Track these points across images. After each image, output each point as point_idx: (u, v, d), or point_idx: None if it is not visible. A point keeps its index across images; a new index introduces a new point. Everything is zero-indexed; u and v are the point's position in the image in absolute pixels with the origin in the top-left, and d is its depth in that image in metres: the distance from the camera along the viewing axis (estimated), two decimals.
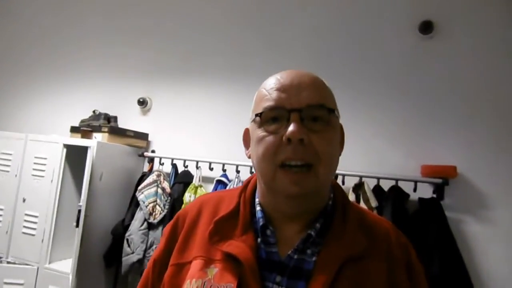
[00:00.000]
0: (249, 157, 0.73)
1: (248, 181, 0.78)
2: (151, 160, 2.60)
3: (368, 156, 2.14)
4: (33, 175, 2.37)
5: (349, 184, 2.03)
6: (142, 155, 2.58)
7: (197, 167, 2.36)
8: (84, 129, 2.45)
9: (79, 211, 2.12)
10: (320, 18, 2.40)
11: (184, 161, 2.43)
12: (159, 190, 2.34)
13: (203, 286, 0.64)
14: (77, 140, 2.35)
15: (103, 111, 2.70)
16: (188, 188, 2.30)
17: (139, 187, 2.37)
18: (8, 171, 2.44)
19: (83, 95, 3.00)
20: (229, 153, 2.36)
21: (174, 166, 2.48)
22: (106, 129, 2.41)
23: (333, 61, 2.29)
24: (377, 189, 1.98)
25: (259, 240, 0.68)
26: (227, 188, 2.18)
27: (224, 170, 2.30)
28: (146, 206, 2.29)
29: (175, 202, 2.31)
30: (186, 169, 2.43)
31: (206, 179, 2.37)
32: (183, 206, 2.25)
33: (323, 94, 0.67)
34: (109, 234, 2.34)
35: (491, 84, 1.99)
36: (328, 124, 0.65)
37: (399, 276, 0.66)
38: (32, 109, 3.21)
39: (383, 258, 0.66)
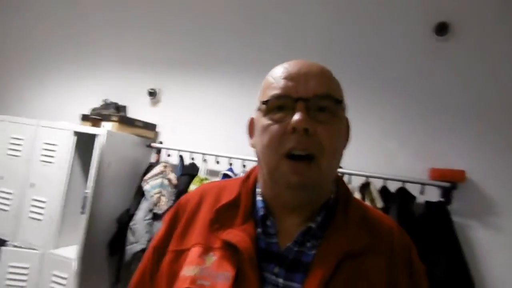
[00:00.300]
0: (253, 146, 0.72)
1: (251, 172, 0.78)
2: (158, 151, 2.61)
3: (376, 156, 2.12)
4: (42, 160, 2.40)
5: (355, 183, 2.01)
6: (149, 146, 2.60)
7: (203, 160, 2.37)
8: (94, 117, 2.47)
9: (85, 198, 2.14)
10: (333, 16, 2.37)
11: (191, 153, 2.43)
12: (165, 181, 2.35)
13: (201, 273, 0.64)
14: (87, 128, 2.38)
15: (113, 100, 2.73)
16: (194, 181, 2.31)
17: (145, 177, 2.38)
18: (18, 156, 2.47)
19: (94, 84, 3.03)
20: (236, 147, 2.36)
21: (181, 158, 2.49)
22: (115, 118, 2.43)
23: (345, 61, 2.27)
24: (384, 190, 1.96)
25: (259, 230, 0.68)
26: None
27: (230, 164, 2.30)
28: (152, 197, 2.30)
29: (181, 194, 2.31)
30: (192, 161, 2.43)
31: (212, 173, 2.37)
32: (182, 196, 2.26)
33: (331, 84, 0.67)
34: (114, 223, 2.36)
35: (503, 88, 1.95)
36: (334, 115, 0.65)
37: (399, 275, 0.65)
38: (45, 96, 3.25)
39: (384, 255, 0.66)
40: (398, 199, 1.89)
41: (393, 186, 1.96)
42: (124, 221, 2.35)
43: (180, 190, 2.33)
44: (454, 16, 2.07)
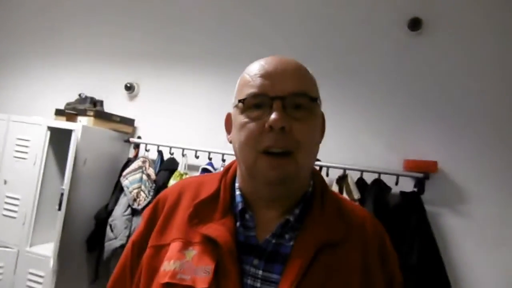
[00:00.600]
0: (230, 142, 0.73)
1: (229, 166, 0.79)
2: (137, 146, 2.58)
3: (353, 149, 2.17)
4: (15, 157, 2.33)
5: (333, 176, 2.06)
6: (127, 141, 2.56)
7: (183, 155, 2.36)
8: (69, 112, 2.42)
9: (62, 194, 2.10)
10: (307, 11, 2.39)
11: (170, 148, 2.42)
12: (144, 177, 2.34)
13: (181, 268, 0.64)
14: (62, 123, 2.32)
15: (89, 95, 2.66)
16: (173, 176, 2.30)
17: (124, 173, 2.35)
18: None
19: (69, 78, 2.95)
20: (215, 141, 2.36)
21: (160, 153, 2.47)
22: (91, 113, 2.38)
23: (320, 55, 2.30)
24: (360, 182, 2.02)
25: (238, 224, 0.69)
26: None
27: (210, 159, 2.30)
28: (131, 192, 2.28)
29: (160, 189, 2.30)
30: (171, 156, 2.42)
31: (191, 167, 2.37)
32: (161, 192, 2.25)
33: (306, 82, 0.68)
34: (92, 219, 2.33)
35: (474, 81, 2.03)
36: (310, 112, 0.66)
37: (373, 263, 0.68)
38: (16, 90, 3.14)
39: (359, 245, 0.68)
40: (374, 190, 1.95)
41: (369, 178, 2.01)
42: (102, 217, 2.32)
43: (159, 185, 2.32)
44: (427, 12, 2.13)
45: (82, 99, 2.61)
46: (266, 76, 0.66)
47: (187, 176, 2.30)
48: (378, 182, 1.98)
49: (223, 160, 2.24)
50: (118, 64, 2.83)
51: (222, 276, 0.62)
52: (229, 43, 2.54)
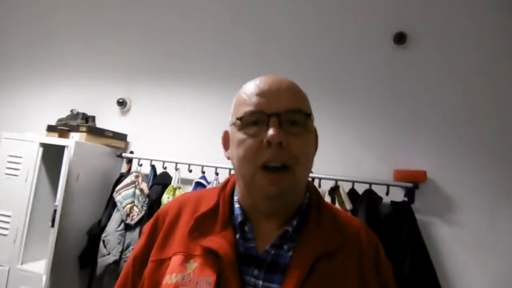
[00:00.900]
0: (228, 158, 0.76)
1: (227, 180, 0.82)
2: (130, 161, 2.58)
3: (344, 160, 2.21)
4: (6, 174, 2.32)
5: (325, 187, 2.09)
6: (120, 156, 2.57)
7: (176, 169, 2.37)
8: (61, 128, 2.42)
9: (55, 211, 2.09)
10: (297, 28, 2.46)
11: (163, 162, 2.43)
12: (137, 191, 2.34)
13: (183, 280, 0.66)
14: (54, 139, 2.32)
15: (81, 110, 2.67)
16: (167, 190, 2.30)
17: (117, 188, 2.35)
18: None
19: (60, 94, 2.95)
20: (208, 155, 2.38)
21: (153, 167, 2.48)
22: (84, 129, 2.39)
23: (310, 70, 2.35)
24: (352, 193, 2.05)
25: (237, 236, 0.71)
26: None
27: (203, 172, 2.31)
28: (124, 207, 2.27)
29: (153, 204, 2.31)
30: (164, 170, 2.43)
31: (184, 181, 2.37)
32: (161, 207, 2.25)
33: (300, 99, 0.72)
34: (84, 235, 2.31)
35: (459, 93, 2.10)
36: (304, 128, 0.69)
37: (369, 272, 0.70)
38: (7, 106, 3.13)
39: (355, 255, 0.71)
40: (366, 201, 1.98)
41: (361, 188, 2.05)
42: (95, 233, 2.30)
43: (153, 199, 2.32)
44: (411, 26, 2.21)
45: (74, 115, 2.62)
46: (262, 94, 0.69)
47: (180, 190, 2.31)
48: (369, 192, 2.01)
49: (217, 174, 2.26)
50: (110, 79, 2.85)
51: (223, 287, 0.64)
52: (221, 58, 2.58)
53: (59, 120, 2.62)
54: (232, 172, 2.17)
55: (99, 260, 2.21)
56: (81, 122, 2.54)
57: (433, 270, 1.87)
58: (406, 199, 2.02)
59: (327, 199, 2.01)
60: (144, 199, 2.34)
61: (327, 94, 2.29)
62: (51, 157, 2.33)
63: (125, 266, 0.80)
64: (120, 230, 2.26)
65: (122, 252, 2.22)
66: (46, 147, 2.30)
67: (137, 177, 2.38)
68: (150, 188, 2.38)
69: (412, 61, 2.20)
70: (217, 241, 0.69)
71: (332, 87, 2.31)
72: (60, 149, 2.23)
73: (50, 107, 2.92)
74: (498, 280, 1.91)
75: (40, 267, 2.15)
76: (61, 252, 2.14)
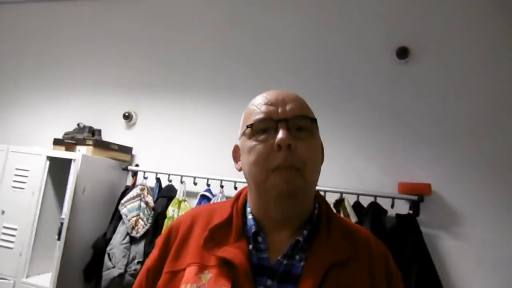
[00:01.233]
0: (240, 170, 0.79)
1: (240, 193, 0.84)
2: (135, 174, 2.60)
3: (348, 173, 2.22)
4: (13, 187, 2.34)
5: (330, 200, 2.09)
6: (126, 169, 2.59)
7: (181, 182, 2.38)
8: (68, 141, 2.45)
9: (62, 224, 2.10)
10: (302, 42, 2.50)
11: (168, 175, 2.45)
12: (143, 204, 2.35)
13: None
14: (61, 153, 2.35)
15: (87, 124, 2.71)
16: (172, 203, 2.32)
17: (122, 201, 2.36)
18: None
19: (67, 108, 3.00)
20: (213, 168, 2.40)
21: (158, 180, 2.50)
22: (90, 142, 2.42)
23: (314, 83, 2.39)
24: (357, 205, 2.06)
25: (251, 246, 0.73)
26: (211, 202, 2.21)
27: (208, 185, 2.33)
28: (129, 220, 2.28)
29: (159, 216, 2.32)
30: (170, 183, 2.45)
31: (190, 194, 2.39)
32: (166, 220, 2.26)
33: (305, 107, 0.76)
34: (89, 248, 2.32)
35: (463, 106, 2.12)
36: (311, 133, 0.73)
37: (380, 281, 0.72)
38: (14, 120, 3.18)
39: (365, 264, 0.72)
40: (371, 213, 1.99)
41: (366, 201, 2.05)
42: (101, 246, 2.31)
43: (158, 212, 2.33)
44: (413, 41, 2.24)
45: (80, 129, 2.66)
46: (270, 103, 0.74)
47: (186, 202, 2.32)
48: (374, 205, 2.02)
49: (222, 187, 2.27)
50: (116, 93, 2.89)
51: None
52: (226, 72, 2.63)
53: (66, 133, 2.66)
54: (237, 185, 2.19)
55: (104, 273, 2.20)
56: (87, 135, 2.57)
57: (439, 284, 1.86)
58: (411, 212, 2.02)
59: None
60: (149, 212, 2.35)
61: (330, 107, 2.32)
62: (57, 170, 2.35)
63: (138, 278, 0.81)
64: (125, 243, 2.27)
65: (127, 265, 2.22)
66: (53, 161, 2.33)
67: (142, 190, 2.40)
68: (155, 201, 2.40)
69: (414, 75, 2.23)
70: (232, 252, 0.70)
71: (335, 100, 2.34)
72: (66, 162, 2.26)
73: (56, 121, 2.96)
74: None
75: (45, 281, 2.16)
76: (67, 265, 2.14)
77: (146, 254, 2.21)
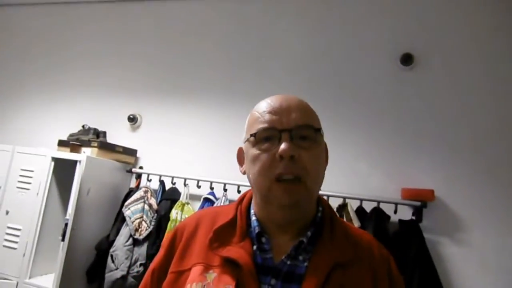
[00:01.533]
0: (244, 173, 0.80)
1: (244, 195, 0.85)
2: (139, 176, 2.62)
3: (352, 179, 2.23)
4: (18, 187, 2.36)
5: (333, 204, 2.09)
6: (130, 171, 2.60)
7: (184, 185, 2.40)
8: (73, 143, 2.47)
9: (66, 224, 2.12)
10: (305, 47, 2.52)
11: (172, 178, 2.46)
12: (146, 206, 2.36)
13: None
14: (67, 154, 2.37)
15: (92, 126, 2.73)
16: (175, 205, 2.33)
17: (126, 203, 2.38)
18: None
19: (72, 110, 3.02)
20: (216, 171, 2.41)
21: (162, 182, 2.51)
22: (95, 144, 2.44)
23: (318, 89, 2.40)
24: (360, 210, 2.06)
25: (255, 247, 0.74)
26: (214, 205, 2.22)
27: (211, 188, 2.34)
28: (132, 222, 2.29)
29: (162, 219, 2.33)
30: (173, 186, 2.46)
31: (193, 197, 2.40)
32: (169, 223, 2.27)
33: (309, 115, 0.76)
34: (93, 249, 2.33)
35: (466, 112, 2.13)
36: (314, 142, 0.73)
37: (382, 284, 0.73)
38: (19, 121, 3.20)
39: (367, 267, 0.73)
40: (374, 219, 1.99)
41: (369, 206, 2.06)
42: (104, 247, 2.32)
43: (161, 215, 2.34)
44: (417, 48, 2.26)
45: (85, 130, 2.68)
46: (273, 112, 0.74)
47: (189, 205, 2.33)
48: (377, 210, 2.02)
49: (225, 190, 2.28)
50: (121, 96, 2.91)
51: None
52: (231, 76, 2.65)
53: (71, 135, 2.68)
54: (241, 188, 2.20)
55: (107, 275, 2.21)
56: (92, 137, 2.59)
57: None
58: (414, 217, 2.02)
59: None
60: (152, 215, 2.36)
61: (333, 112, 2.33)
62: (62, 171, 2.37)
63: (144, 279, 0.83)
64: (128, 245, 2.28)
65: (129, 267, 2.23)
66: (57, 162, 2.34)
67: (146, 192, 2.41)
68: (158, 204, 2.41)
69: (418, 82, 2.24)
70: (237, 251, 0.72)
71: (338, 105, 2.35)
72: (71, 163, 2.27)
73: (61, 122, 2.98)
74: None
75: (48, 282, 2.17)
76: (70, 266, 2.15)
77: (149, 256, 2.22)
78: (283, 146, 0.69)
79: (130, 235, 2.29)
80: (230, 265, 0.70)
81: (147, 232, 2.31)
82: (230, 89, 2.62)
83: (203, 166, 2.53)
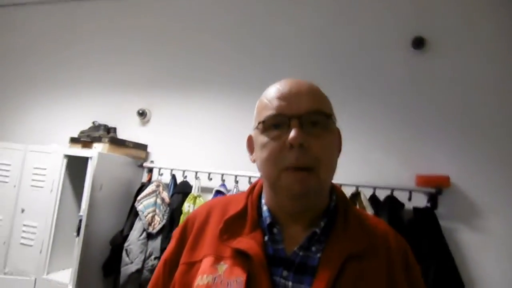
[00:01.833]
0: (254, 162, 0.77)
1: (255, 184, 0.83)
2: (150, 170, 2.62)
3: (365, 166, 2.19)
4: (32, 185, 2.38)
5: (346, 193, 2.06)
6: (141, 166, 2.61)
7: (196, 177, 2.39)
8: (84, 140, 2.48)
9: (80, 220, 2.14)
10: (315, 35, 2.48)
11: (183, 171, 2.46)
12: (158, 200, 2.37)
13: (214, 281, 0.67)
14: (78, 151, 2.38)
15: (102, 122, 2.74)
16: (187, 198, 2.33)
17: (138, 197, 2.39)
18: (6, 182, 2.45)
19: (82, 107, 3.03)
20: (227, 163, 2.40)
21: (173, 176, 2.51)
22: (106, 140, 2.44)
23: (328, 75, 2.36)
24: (373, 199, 2.03)
25: (266, 238, 0.72)
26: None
27: (223, 180, 2.33)
28: (145, 216, 2.31)
29: (174, 212, 2.33)
30: (185, 179, 2.46)
31: (205, 189, 2.40)
32: (182, 216, 2.28)
33: (320, 100, 0.73)
34: (107, 244, 2.35)
35: (481, 97, 2.07)
36: (326, 129, 0.70)
37: (398, 274, 0.70)
38: (32, 120, 3.23)
39: (383, 256, 0.71)
40: (388, 207, 1.96)
41: (382, 194, 2.03)
42: (118, 242, 2.34)
43: (174, 208, 2.35)
44: (429, 31, 2.20)
45: (95, 127, 2.69)
46: (282, 97, 0.70)
47: (201, 198, 2.33)
48: (391, 198, 1.99)
49: (236, 182, 2.27)
50: (130, 91, 2.91)
51: (253, 286, 0.65)
52: (239, 68, 2.62)
53: (82, 132, 2.69)
54: (252, 179, 2.19)
55: (122, 269, 2.23)
56: (102, 133, 2.60)
57: (460, 279, 1.83)
58: (429, 205, 1.99)
59: None
60: (165, 208, 2.37)
61: (345, 98, 2.29)
62: (74, 168, 2.39)
63: (156, 270, 0.82)
64: (142, 239, 2.29)
65: (144, 260, 2.24)
66: (70, 159, 2.36)
67: (158, 186, 2.42)
68: (170, 197, 2.41)
69: (431, 66, 2.18)
70: (247, 243, 0.70)
71: (350, 91, 2.31)
72: (83, 160, 2.29)
73: (72, 119, 3.00)
74: None
75: (65, 277, 2.20)
76: (86, 261, 2.18)
77: (162, 250, 2.23)
78: (292, 133, 0.66)
79: (144, 229, 2.31)
80: (241, 257, 0.69)
81: (160, 225, 2.32)
82: (239, 80, 2.59)
83: (214, 158, 2.52)
